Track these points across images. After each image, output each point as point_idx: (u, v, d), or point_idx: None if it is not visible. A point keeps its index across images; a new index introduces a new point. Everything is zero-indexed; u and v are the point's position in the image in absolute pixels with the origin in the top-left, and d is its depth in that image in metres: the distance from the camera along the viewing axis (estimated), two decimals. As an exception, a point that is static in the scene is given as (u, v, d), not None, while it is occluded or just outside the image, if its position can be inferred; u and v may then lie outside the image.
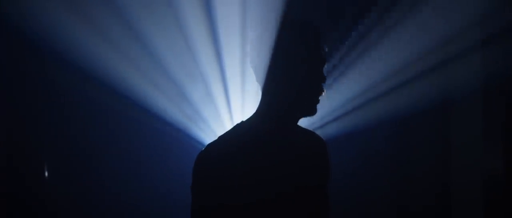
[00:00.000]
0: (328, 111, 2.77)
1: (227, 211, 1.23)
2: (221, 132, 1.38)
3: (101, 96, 2.78)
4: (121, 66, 2.73)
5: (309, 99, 1.31)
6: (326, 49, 1.34)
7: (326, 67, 1.34)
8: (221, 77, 2.70)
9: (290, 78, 1.29)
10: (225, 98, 2.70)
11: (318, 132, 1.54)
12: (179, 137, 2.82)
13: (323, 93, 1.33)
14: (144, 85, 2.79)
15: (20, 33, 2.70)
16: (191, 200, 1.28)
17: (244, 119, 1.40)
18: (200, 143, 2.75)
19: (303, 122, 1.42)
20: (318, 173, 1.43)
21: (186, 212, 1.34)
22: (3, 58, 2.77)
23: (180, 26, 2.73)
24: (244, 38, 2.46)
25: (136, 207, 2.90)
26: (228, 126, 2.50)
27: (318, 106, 1.34)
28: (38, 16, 2.65)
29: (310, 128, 1.54)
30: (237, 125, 1.38)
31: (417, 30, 2.71)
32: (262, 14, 1.37)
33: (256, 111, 1.37)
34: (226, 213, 1.24)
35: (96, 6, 2.68)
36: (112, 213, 2.87)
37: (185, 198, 1.60)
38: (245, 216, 1.26)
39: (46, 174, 2.88)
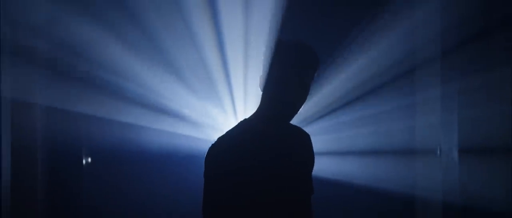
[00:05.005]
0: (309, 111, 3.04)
1: (234, 193, 1.46)
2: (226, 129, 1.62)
3: (104, 94, 3.00)
4: (126, 66, 2.96)
5: (293, 104, 1.55)
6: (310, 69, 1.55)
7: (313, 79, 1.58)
8: (226, 79, 2.92)
9: (280, 89, 1.52)
10: (231, 99, 2.93)
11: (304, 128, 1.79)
12: (185, 136, 3.03)
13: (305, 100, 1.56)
14: (152, 86, 3.01)
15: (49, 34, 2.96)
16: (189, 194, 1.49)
17: (246, 117, 1.64)
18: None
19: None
20: (306, 161, 1.70)
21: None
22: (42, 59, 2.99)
23: (188, 29, 2.94)
24: (246, 40, 2.73)
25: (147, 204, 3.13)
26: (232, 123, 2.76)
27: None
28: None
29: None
30: (241, 121, 1.62)
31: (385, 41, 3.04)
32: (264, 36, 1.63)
33: (257, 111, 1.61)
34: (234, 196, 1.46)
35: (103, 8, 2.93)
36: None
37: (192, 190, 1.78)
38: (249, 199, 1.48)
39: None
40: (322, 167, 2.91)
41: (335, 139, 3.16)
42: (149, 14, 2.94)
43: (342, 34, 3.07)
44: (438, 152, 3.05)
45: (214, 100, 3.03)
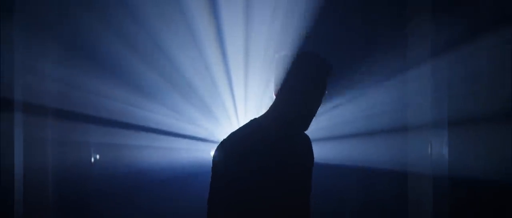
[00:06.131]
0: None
1: (241, 190, 1.52)
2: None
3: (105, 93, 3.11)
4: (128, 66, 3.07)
5: (306, 116, 1.62)
6: (329, 81, 1.63)
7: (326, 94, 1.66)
8: (228, 82, 3.03)
9: (298, 98, 1.59)
10: (233, 102, 3.04)
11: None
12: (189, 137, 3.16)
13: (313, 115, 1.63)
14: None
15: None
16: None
17: (252, 117, 1.70)
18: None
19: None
20: (310, 162, 1.79)
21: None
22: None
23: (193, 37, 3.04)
24: (248, 42, 2.79)
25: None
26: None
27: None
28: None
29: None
30: (251, 121, 1.67)
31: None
32: (283, 39, 1.70)
33: (268, 112, 1.66)
34: (241, 192, 1.52)
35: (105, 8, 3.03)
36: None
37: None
38: (256, 196, 1.54)
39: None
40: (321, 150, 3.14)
41: (333, 122, 3.30)
42: (153, 18, 3.05)
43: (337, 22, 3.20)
44: (429, 148, 3.20)
45: (215, 101, 3.15)
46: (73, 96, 3.13)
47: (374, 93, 3.28)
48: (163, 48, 3.09)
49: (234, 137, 1.60)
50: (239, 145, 1.56)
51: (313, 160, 1.83)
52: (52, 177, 3.16)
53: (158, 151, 3.22)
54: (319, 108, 1.66)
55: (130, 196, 3.24)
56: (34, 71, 3.01)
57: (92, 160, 3.26)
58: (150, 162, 3.23)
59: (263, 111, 1.71)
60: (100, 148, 3.27)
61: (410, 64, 3.25)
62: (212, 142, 3.14)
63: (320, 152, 3.07)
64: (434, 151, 3.16)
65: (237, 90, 3.05)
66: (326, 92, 1.66)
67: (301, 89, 1.59)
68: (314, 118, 1.67)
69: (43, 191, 3.12)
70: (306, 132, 1.81)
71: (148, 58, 3.14)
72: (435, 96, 3.12)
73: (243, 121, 2.86)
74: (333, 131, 3.28)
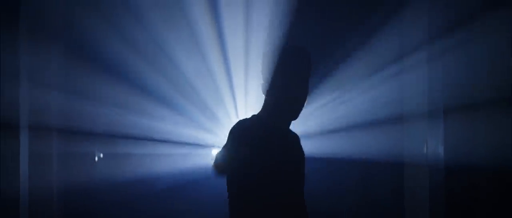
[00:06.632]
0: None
1: (241, 184, 1.63)
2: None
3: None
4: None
5: (293, 108, 1.73)
6: (310, 72, 1.73)
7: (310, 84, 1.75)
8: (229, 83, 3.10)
9: (281, 93, 1.70)
10: (233, 103, 3.11)
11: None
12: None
13: (304, 104, 1.74)
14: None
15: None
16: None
17: (250, 114, 1.82)
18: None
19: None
20: (300, 156, 1.87)
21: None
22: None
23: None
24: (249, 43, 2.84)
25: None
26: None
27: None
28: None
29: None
30: (253, 116, 1.79)
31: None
32: (265, 40, 1.78)
33: (261, 110, 1.79)
34: (243, 168, 1.63)
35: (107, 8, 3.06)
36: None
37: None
38: (254, 188, 1.63)
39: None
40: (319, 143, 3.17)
41: (330, 116, 3.34)
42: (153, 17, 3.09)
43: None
44: (425, 139, 3.26)
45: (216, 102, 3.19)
46: (77, 110, 3.17)
47: (370, 85, 3.32)
48: (170, 58, 3.15)
49: (243, 122, 1.73)
50: (247, 128, 1.68)
51: (304, 156, 1.90)
52: (57, 191, 3.19)
53: (163, 159, 3.26)
54: (315, 101, 1.71)
55: (136, 207, 3.27)
56: (39, 85, 3.06)
57: (97, 172, 3.28)
58: (155, 171, 3.27)
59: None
60: (105, 161, 3.29)
61: (405, 55, 3.29)
62: (213, 146, 3.19)
63: (318, 146, 3.17)
64: (430, 141, 3.21)
65: (238, 93, 3.11)
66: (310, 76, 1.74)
67: (289, 82, 1.69)
68: (313, 113, 1.74)
69: (48, 200, 3.15)
70: (305, 127, 1.98)
71: (153, 67, 3.19)
72: (430, 87, 3.18)
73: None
74: (330, 125, 3.32)
